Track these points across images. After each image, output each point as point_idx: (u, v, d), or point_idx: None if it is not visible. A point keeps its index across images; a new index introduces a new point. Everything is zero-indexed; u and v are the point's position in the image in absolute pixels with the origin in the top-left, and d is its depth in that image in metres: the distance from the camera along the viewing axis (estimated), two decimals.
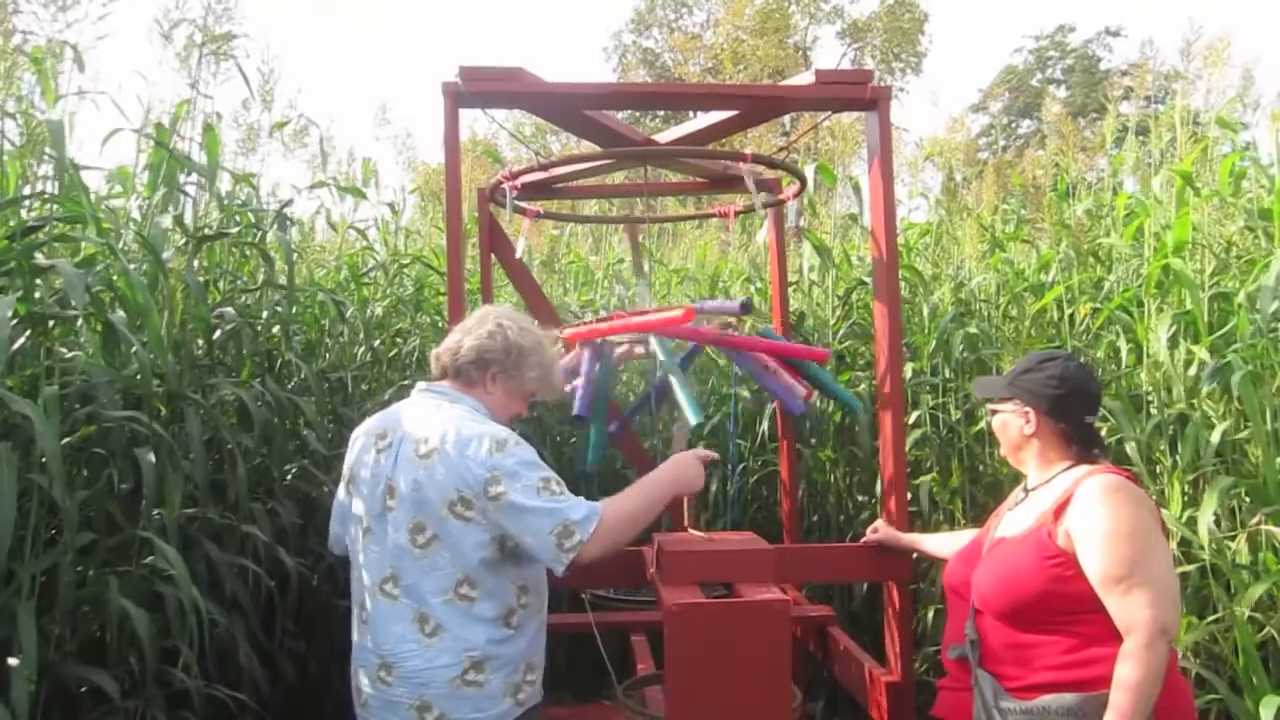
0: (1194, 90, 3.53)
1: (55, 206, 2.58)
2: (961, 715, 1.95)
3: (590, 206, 5.52)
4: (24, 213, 2.56)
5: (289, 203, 3.79)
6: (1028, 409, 2.01)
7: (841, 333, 4.32)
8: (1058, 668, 1.80)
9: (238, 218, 3.51)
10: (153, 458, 2.50)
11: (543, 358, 2.13)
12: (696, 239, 6.14)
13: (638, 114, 16.86)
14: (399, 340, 4.52)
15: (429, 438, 1.94)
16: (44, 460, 2.18)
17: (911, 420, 3.86)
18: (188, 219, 3.15)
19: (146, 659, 2.38)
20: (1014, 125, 25.85)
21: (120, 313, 2.64)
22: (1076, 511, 1.83)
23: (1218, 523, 2.69)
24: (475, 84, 2.71)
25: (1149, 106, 4.00)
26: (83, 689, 2.42)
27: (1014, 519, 2.01)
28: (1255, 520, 2.66)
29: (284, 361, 3.59)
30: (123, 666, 2.47)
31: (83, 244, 2.73)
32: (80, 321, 2.57)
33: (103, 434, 2.54)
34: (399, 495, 1.95)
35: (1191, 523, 2.77)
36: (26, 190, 2.61)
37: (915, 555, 2.66)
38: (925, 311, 4.08)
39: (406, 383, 4.04)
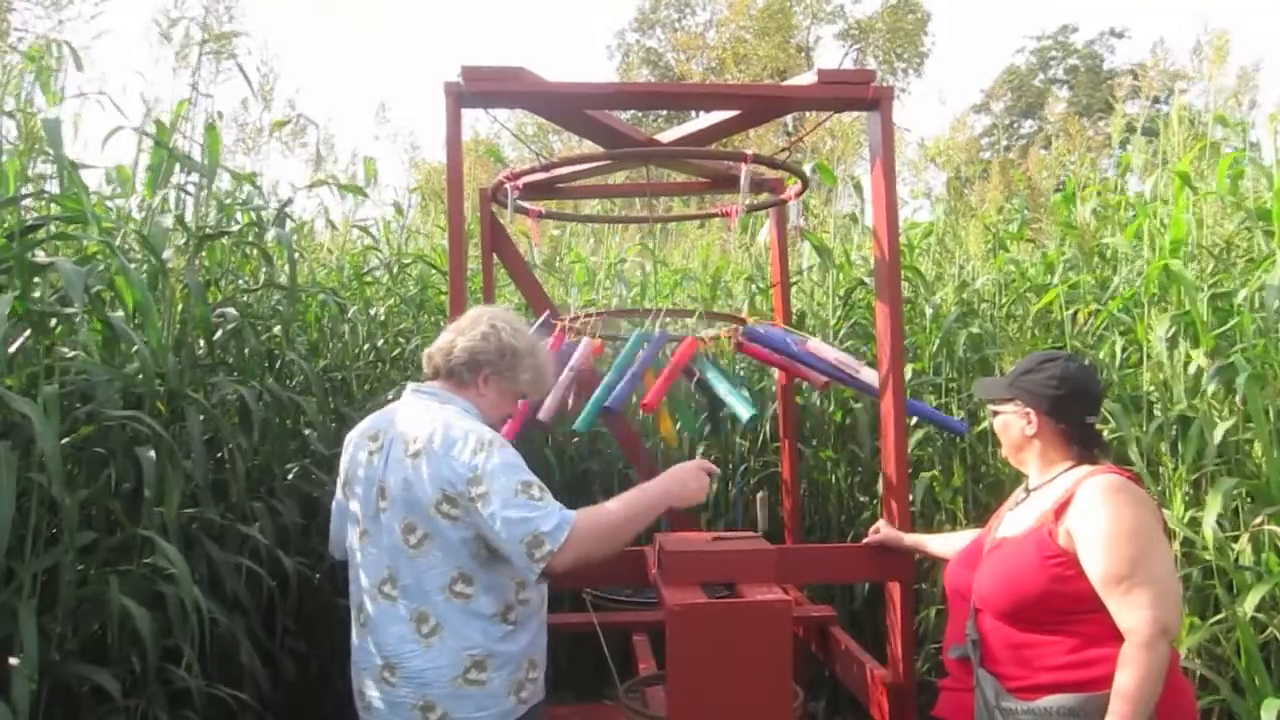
0: (1197, 90, 3.53)
1: (55, 206, 2.58)
2: (963, 715, 1.94)
3: (592, 206, 5.52)
4: (24, 212, 2.56)
5: (289, 201, 3.79)
6: (1029, 410, 2.01)
7: (843, 332, 4.32)
8: (1059, 668, 1.79)
9: (239, 216, 3.52)
10: (153, 456, 2.50)
11: (536, 360, 2.13)
12: (699, 239, 6.14)
13: (640, 114, 16.85)
14: (401, 340, 4.52)
15: (418, 438, 1.94)
16: (44, 459, 2.18)
17: (913, 420, 3.86)
18: (188, 218, 3.15)
19: (148, 658, 2.38)
20: (1016, 126, 25.83)
21: (120, 312, 2.64)
22: (1078, 511, 1.83)
23: (1220, 524, 2.68)
24: (477, 84, 2.71)
25: (1154, 106, 4.00)
26: (84, 688, 2.42)
27: (1015, 519, 2.01)
28: (1258, 520, 2.66)
29: (285, 361, 3.59)
30: (124, 665, 2.47)
31: (85, 243, 2.73)
32: (81, 320, 2.57)
33: (103, 433, 2.54)
34: (390, 496, 1.95)
35: (1194, 523, 2.76)
36: (26, 189, 2.61)
37: (917, 556, 2.66)
38: (928, 312, 4.08)
39: (409, 383, 4.04)
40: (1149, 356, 3.10)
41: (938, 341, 3.92)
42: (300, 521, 3.34)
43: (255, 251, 3.59)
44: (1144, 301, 3.21)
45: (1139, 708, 1.67)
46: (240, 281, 3.58)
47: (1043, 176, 4.34)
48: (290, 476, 3.51)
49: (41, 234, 2.54)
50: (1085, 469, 1.93)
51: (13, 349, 2.37)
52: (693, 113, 3.56)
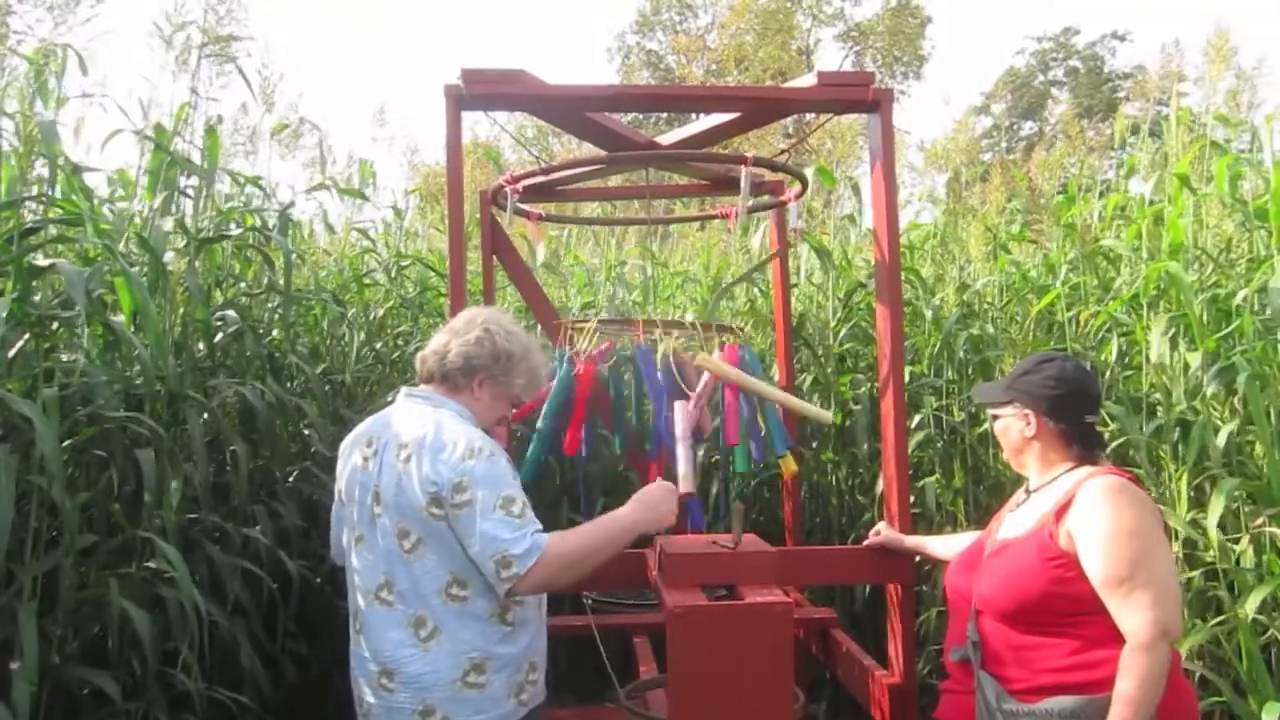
0: (1198, 90, 3.53)
1: (55, 209, 2.58)
2: (964, 717, 1.94)
3: (592, 208, 5.52)
4: (23, 215, 2.56)
5: (290, 204, 3.80)
6: (1027, 411, 2.01)
7: (842, 334, 4.32)
8: (1060, 670, 1.79)
9: (240, 219, 3.52)
10: (154, 458, 2.50)
11: (530, 363, 2.13)
12: (699, 241, 6.13)
13: (640, 116, 16.88)
14: (400, 342, 4.52)
15: (410, 441, 1.94)
16: (44, 462, 2.18)
17: (914, 422, 3.86)
18: (189, 221, 3.15)
19: (148, 661, 2.38)
20: (1016, 127, 25.85)
21: (120, 315, 2.64)
22: (1078, 513, 1.83)
23: (1222, 525, 2.68)
24: (477, 86, 2.71)
25: (1156, 108, 3.99)
26: (84, 691, 2.43)
27: (1015, 521, 2.01)
28: (1259, 522, 2.65)
29: (286, 364, 3.59)
30: (124, 668, 2.47)
31: (86, 245, 2.73)
32: (81, 323, 2.57)
33: (103, 435, 2.54)
34: (384, 500, 1.95)
35: (1196, 525, 2.76)
36: (25, 191, 2.61)
37: (917, 558, 2.65)
38: (928, 314, 4.07)
39: (403, 386, 4.04)
40: (1148, 359, 3.10)
41: (938, 343, 3.92)
42: (301, 524, 3.34)
43: (257, 255, 3.59)
44: (1143, 303, 3.21)
45: (1140, 710, 1.67)
46: (241, 284, 3.58)
47: (1044, 178, 4.34)
48: (291, 479, 3.51)
49: (40, 237, 2.53)
50: (1086, 470, 1.93)
51: (12, 352, 2.37)
52: (693, 115, 3.56)
